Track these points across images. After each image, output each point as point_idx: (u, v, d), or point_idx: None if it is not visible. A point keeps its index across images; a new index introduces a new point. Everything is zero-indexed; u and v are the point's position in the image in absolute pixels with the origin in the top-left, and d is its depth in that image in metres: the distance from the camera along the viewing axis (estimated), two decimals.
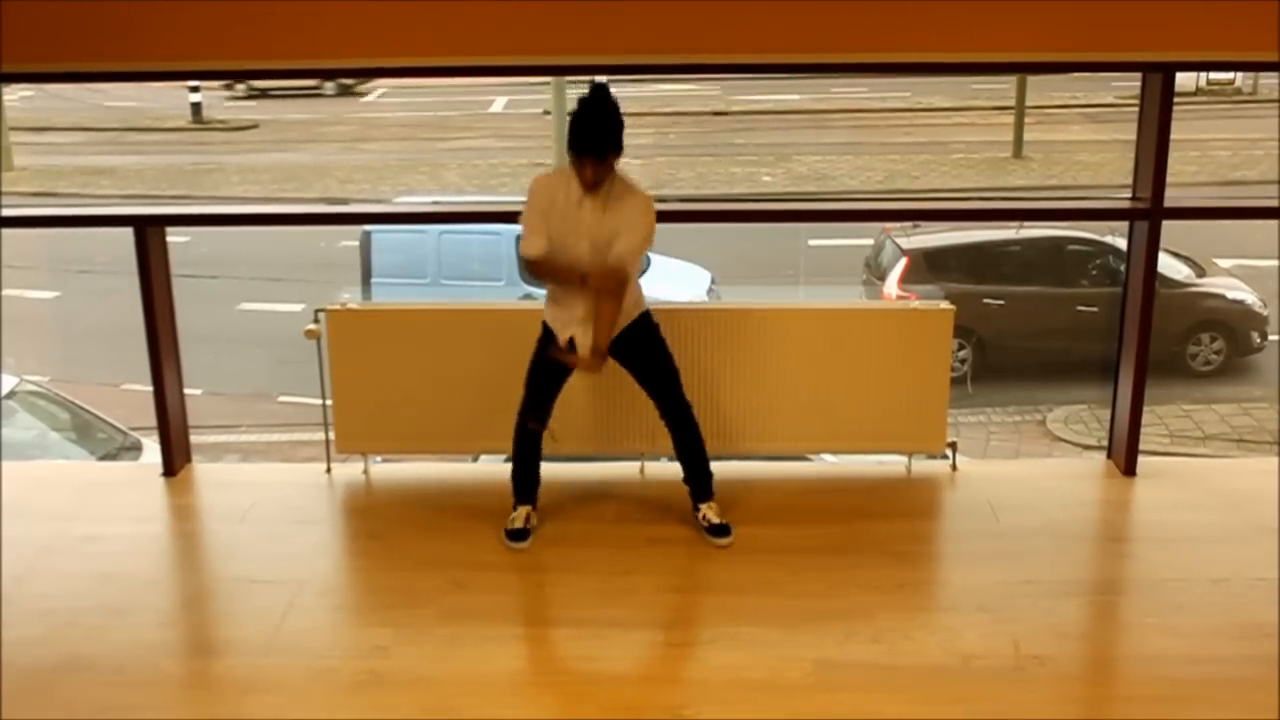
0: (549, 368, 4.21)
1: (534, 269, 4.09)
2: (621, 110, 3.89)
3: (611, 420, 4.78)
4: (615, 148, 3.88)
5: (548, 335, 4.20)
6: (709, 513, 4.32)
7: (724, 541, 4.27)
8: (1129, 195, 4.73)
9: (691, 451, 4.32)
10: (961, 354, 10.72)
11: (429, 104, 22.54)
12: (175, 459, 4.96)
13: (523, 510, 4.37)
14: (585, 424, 4.79)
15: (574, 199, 3.95)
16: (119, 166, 18.87)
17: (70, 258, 13.72)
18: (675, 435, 4.31)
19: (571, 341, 4.10)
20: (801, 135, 19.51)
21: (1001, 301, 11.23)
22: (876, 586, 4.05)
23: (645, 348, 4.24)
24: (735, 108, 21.15)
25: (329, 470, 4.96)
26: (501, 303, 7.76)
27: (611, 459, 4.98)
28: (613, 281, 3.97)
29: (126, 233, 4.74)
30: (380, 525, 4.59)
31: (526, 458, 4.37)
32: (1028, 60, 4.52)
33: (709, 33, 4.25)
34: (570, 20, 4.22)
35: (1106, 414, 5.08)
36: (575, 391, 4.74)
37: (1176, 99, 4.47)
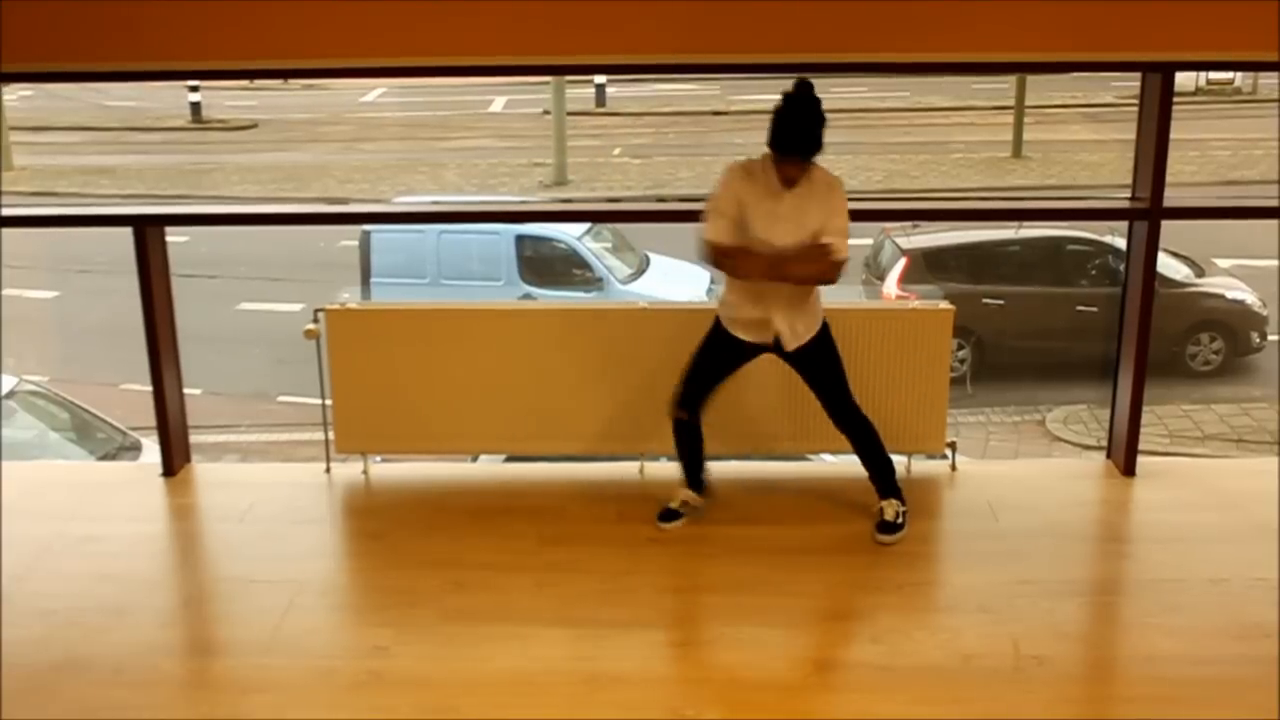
0: (713, 361, 4.24)
1: (716, 256, 4.02)
2: (822, 107, 3.86)
3: (612, 420, 4.78)
4: (818, 148, 3.88)
5: (718, 333, 4.21)
6: (886, 509, 4.34)
7: (885, 539, 4.29)
8: (1129, 195, 4.73)
9: (864, 453, 4.35)
10: (961, 354, 10.73)
11: (429, 104, 22.56)
12: (175, 459, 4.96)
13: (680, 493, 4.44)
14: (586, 424, 4.80)
15: (772, 191, 3.96)
16: (119, 166, 18.89)
17: (70, 258, 13.72)
18: (849, 440, 4.35)
19: (778, 339, 4.14)
20: None
21: (1001, 301, 11.23)
22: (876, 586, 4.05)
23: (823, 359, 4.23)
24: (735, 108, 21.15)
25: (329, 470, 4.96)
26: (501, 303, 7.77)
27: (611, 459, 4.98)
28: (821, 267, 3.95)
29: (126, 233, 4.74)
30: (380, 525, 4.58)
31: (680, 446, 4.39)
32: (1028, 60, 4.52)
33: (709, 33, 4.25)
34: (570, 20, 4.21)
35: (1106, 414, 5.08)
36: (574, 392, 4.76)
37: (1176, 99, 4.47)
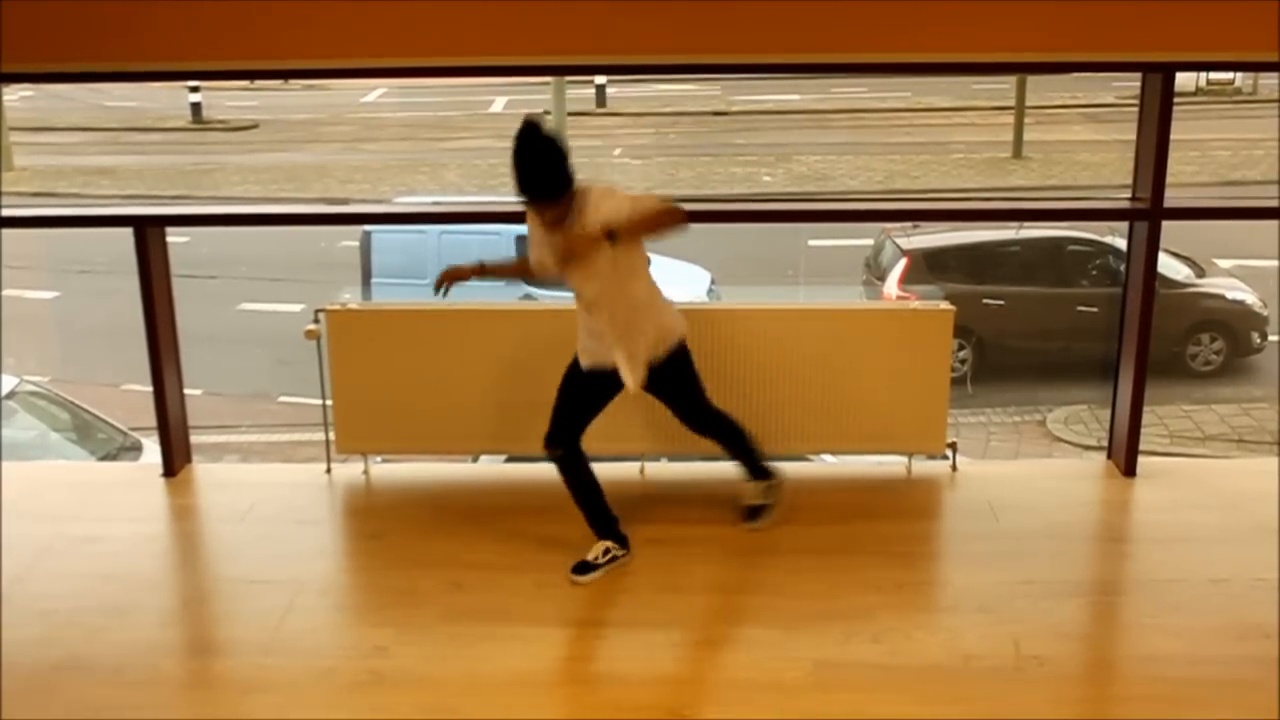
0: (577, 391, 4.12)
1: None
2: (558, 141, 3.67)
3: (612, 420, 4.76)
4: (565, 185, 3.68)
5: (576, 366, 4.12)
6: (747, 493, 4.33)
7: (748, 521, 4.31)
8: (1129, 195, 4.73)
9: (730, 448, 4.27)
10: (961, 354, 10.73)
11: (429, 104, 22.56)
12: (175, 459, 4.96)
13: (599, 545, 4.15)
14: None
15: (549, 234, 3.81)
16: (119, 166, 18.88)
17: (70, 258, 13.73)
18: (715, 442, 4.27)
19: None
20: (801, 135, 19.53)
21: (1001, 302, 11.24)
22: (876, 586, 4.05)
23: (677, 381, 4.11)
24: (735, 108, 21.14)
25: (329, 470, 4.97)
26: (502, 303, 7.75)
27: (611, 459, 4.98)
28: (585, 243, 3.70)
29: (126, 233, 4.75)
30: (380, 525, 4.59)
31: (571, 489, 4.19)
32: (1028, 60, 4.52)
33: (709, 33, 4.25)
34: (570, 20, 4.22)
35: (1106, 414, 5.08)
36: None
37: (1176, 99, 4.47)
